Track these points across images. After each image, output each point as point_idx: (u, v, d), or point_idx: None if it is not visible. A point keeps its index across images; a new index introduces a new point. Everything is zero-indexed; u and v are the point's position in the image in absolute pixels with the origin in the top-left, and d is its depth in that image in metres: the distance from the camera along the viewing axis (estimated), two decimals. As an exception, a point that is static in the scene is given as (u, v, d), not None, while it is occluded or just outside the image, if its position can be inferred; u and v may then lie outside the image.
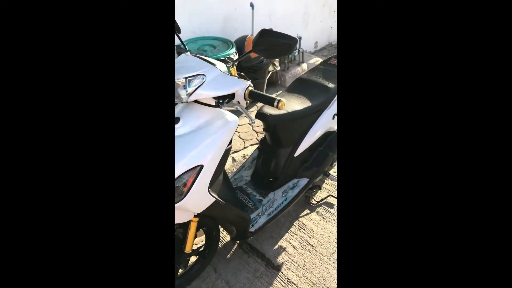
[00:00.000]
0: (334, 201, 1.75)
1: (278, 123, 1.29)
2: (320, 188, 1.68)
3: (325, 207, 1.72)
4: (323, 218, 1.65)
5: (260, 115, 1.26)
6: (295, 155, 1.40)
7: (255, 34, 2.87)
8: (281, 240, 1.53)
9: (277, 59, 2.51)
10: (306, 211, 1.69)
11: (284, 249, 1.48)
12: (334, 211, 1.69)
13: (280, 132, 1.35)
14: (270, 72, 2.56)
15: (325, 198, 1.76)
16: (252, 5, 2.64)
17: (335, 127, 1.50)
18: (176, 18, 2.36)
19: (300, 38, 3.59)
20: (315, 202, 1.73)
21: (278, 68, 2.56)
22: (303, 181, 1.44)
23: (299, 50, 3.01)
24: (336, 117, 1.45)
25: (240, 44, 2.36)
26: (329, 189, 1.85)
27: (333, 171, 1.95)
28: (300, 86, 1.48)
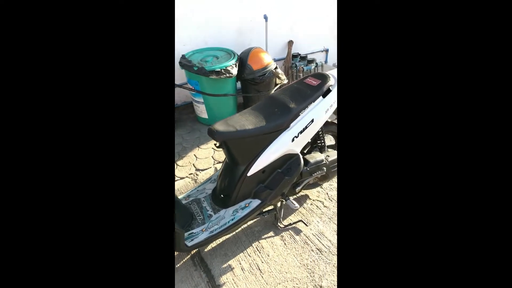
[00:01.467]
0: (303, 227, 1.64)
1: (226, 140, 1.27)
2: (276, 212, 1.59)
3: (292, 232, 1.62)
4: (285, 244, 1.56)
5: (209, 131, 1.26)
6: (248, 174, 1.36)
7: (268, 46, 2.85)
8: (233, 258, 1.49)
9: (282, 72, 2.45)
10: (271, 233, 1.62)
11: (232, 269, 1.44)
12: (299, 238, 1.58)
13: (232, 150, 1.33)
14: (278, 85, 2.52)
15: (294, 223, 1.66)
16: (265, 17, 2.64)
17: (296, 150, 1.41)
18: (187, 28, 2.51)
19: (327, 50, 3.46)
20: (283, 226, 1.64)
21: (286, 81, 2.50)
22: (255, 203, 1.39)
23: (316, 63, 2.89)
24: (296, 139, 1.37)
25: (244, 56, 2.37)
26: (304, 213, 1.74)
27: (319, 197, 1.82)
28: (265, 104, 1.43)
